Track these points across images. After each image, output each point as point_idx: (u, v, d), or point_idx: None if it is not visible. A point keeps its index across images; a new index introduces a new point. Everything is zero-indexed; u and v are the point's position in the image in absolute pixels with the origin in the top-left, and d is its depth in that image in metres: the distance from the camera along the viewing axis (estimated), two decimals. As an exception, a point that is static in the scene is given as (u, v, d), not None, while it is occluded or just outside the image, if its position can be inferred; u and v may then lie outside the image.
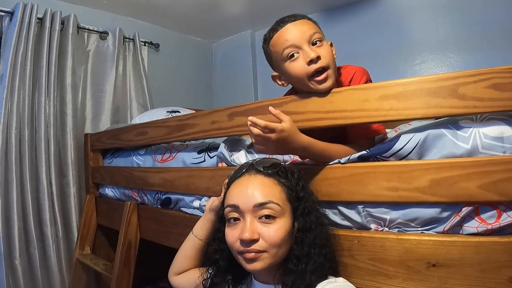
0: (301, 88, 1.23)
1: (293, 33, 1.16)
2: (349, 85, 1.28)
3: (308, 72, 1.15)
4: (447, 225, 0.97)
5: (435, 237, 0.96)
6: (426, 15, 2.71)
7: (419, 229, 1.01)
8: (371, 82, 1.31)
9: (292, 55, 1.17)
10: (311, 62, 1.13)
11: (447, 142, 0.97)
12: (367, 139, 1.25)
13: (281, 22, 1.20)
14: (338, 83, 1.25)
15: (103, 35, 2.95)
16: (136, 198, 2.05)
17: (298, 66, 1.16)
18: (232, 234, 0.99)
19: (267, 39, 1.25)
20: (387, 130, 1.34)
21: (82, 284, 2.46)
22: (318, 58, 1.13)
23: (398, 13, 2.84)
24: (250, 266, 0.96)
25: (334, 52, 1.23)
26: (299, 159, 1.24)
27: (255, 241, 0.94)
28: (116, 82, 2.95)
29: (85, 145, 2.59)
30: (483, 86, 0.89)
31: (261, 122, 1.00)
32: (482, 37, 2.44)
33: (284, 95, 1.42)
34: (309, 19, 1.22)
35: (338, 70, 1.30)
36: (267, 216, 0.96)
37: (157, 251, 2.03)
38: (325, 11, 3.18)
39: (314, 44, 1.16)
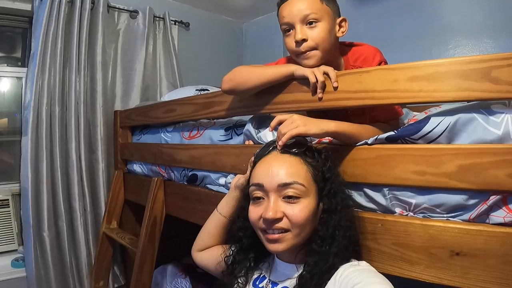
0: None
1: (290, 10, 1.22)
2: (357, 66, 1.31)
3: (294, 50, 1.25)
4: (473, 213, 0.94)
5: (461, 225, 0.94)
6: (462, -3, 2.61)
7: (445, 215, 0.99)
8: (386, 62, 1.31)
9: (288, 30, 1.26)
10: (297, 43, 1.22)
11: (478, 127, 0.93)
12: (386, 120, 1.25)
13: None
14: (337, 61, 1.33)
15: (133, 14, 2.97)
16: (163, 174, 2.08)
17: (289, 43, 1.26)
18: (256, 212, 0.99)
19: (277, 7, 1.31)
20: (415, 113, 1.31)
21: (108, 257, 2.54)
22: (304, 40, 1.20)
23: (432, -5, 2.74)
24: (272, 247, 0.96)
25: (343, 30, 1.28)
26: (325, 139, 1.23)
27: (278, 220, 0.94)
28: (146, 60, 2.98)
29: (114, 122, 2.64)
30: (517, 70, 0.85)
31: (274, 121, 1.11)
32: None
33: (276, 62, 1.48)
34: None
35: (345, 48, 1.36)
36: (291, 196, 0.95)
37: (182, 228, 2.06)
38: (357, -7, 3.10)
39: (309, 23, 1.21)
